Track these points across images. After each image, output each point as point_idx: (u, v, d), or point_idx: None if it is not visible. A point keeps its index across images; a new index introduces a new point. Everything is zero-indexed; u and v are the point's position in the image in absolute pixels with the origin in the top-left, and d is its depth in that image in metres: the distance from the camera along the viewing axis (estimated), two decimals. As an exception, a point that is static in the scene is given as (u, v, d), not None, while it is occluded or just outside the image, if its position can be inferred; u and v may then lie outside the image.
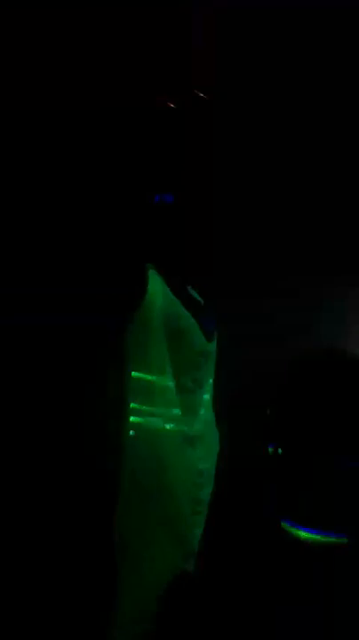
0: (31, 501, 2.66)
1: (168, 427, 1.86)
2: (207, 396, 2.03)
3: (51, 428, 2.73)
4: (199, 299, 2.07)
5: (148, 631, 1.88)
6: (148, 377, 1.86)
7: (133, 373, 1.87)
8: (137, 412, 1.89)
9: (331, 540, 2.07)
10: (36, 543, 2.54)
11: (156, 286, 1.85)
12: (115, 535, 1.87)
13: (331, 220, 3.10)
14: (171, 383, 1.87)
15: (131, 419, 1.87)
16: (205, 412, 2.01)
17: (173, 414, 1.88)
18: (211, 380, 2.05)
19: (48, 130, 2.84)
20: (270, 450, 2.25)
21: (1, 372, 2.71)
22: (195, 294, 2.07)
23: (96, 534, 2.39)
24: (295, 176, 3.03)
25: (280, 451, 2.23)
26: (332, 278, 3.06)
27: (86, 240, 2.84)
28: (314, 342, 2.91)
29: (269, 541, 2.43)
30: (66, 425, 2.73)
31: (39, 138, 2.84)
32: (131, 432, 1.85)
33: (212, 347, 2.01)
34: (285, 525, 2.11)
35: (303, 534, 2.10)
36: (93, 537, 2.43)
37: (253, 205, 2.98)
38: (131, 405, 1.87)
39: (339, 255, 3.10)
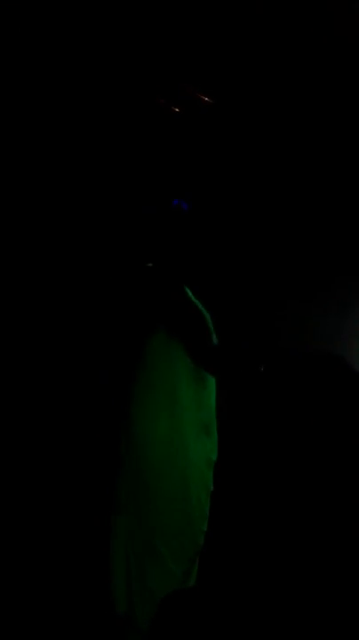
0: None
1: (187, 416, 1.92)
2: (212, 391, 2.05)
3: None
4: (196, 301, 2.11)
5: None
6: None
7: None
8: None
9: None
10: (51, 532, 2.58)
11: None
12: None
13: (330, 222, 3.11)
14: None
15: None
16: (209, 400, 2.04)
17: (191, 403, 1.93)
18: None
19: (50, 134, 2.87)
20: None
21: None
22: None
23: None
24: (296, 176, 3.05)
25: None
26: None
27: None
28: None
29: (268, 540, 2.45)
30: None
31: (41, 142, 2.87)
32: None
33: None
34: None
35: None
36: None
37: (254, 207, 2.99)
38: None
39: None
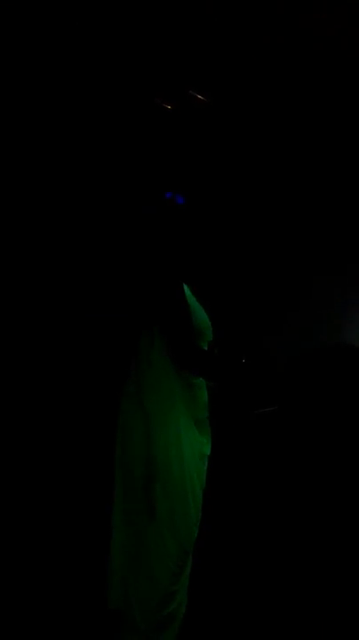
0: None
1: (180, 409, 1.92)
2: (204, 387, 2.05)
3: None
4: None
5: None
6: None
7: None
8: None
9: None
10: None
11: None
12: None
13: (330, 219, 3.13)
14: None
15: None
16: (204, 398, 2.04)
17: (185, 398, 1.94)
18: None
19: (47, 132, 2.87)
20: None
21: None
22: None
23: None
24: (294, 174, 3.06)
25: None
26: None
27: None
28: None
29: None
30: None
31: (39, 139, 2.87)
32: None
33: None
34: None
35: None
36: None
37: (252, 205, 3.00)
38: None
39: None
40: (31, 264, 2.89)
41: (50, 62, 2.71)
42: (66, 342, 2.92)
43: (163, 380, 1.91)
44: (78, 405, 2.87)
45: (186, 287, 1.98)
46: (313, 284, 3.17)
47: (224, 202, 2.62)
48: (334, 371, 2.99)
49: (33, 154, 2.85)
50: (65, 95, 2.80)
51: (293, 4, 2.39)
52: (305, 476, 2.85)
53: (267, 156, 3.04)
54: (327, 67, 2.67)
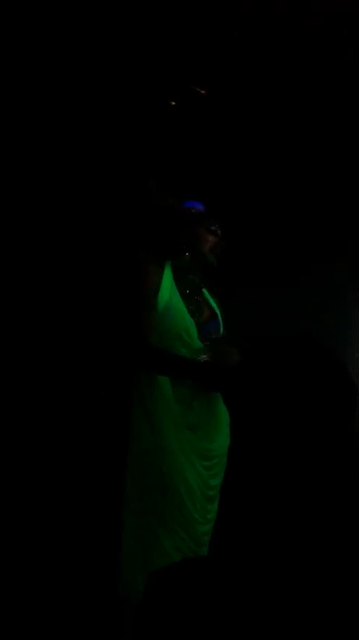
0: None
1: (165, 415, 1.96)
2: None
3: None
4: (215, 307, 2.14)
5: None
6: None
7: None
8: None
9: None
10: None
11: (167, 280, 1.99)
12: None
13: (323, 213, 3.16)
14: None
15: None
16: (200, 404, 2.05)
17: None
18: None
19: (46, 125, 2.86)
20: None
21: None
22: (212, 301, 2.14)
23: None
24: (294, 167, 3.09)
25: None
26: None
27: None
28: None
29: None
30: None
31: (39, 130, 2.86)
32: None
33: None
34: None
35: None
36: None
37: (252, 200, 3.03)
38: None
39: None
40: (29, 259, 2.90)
41: (50, 56, 2.70)
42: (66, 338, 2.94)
43: (154, 381, 1.96)
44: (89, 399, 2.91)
45: (175, 291, 2.01)
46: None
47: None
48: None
49: (34, 148, 2.86)
50: (66, 90, 2.80)
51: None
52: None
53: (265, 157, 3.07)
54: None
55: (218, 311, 2.14)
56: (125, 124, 2.86)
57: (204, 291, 2.17)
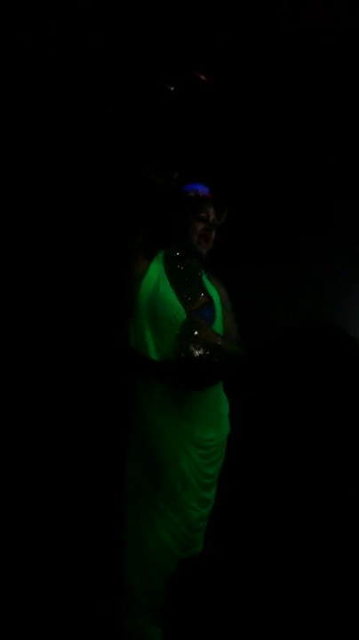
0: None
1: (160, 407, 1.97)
2: None
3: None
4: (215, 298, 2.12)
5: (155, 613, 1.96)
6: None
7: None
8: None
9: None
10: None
11: (154, 270, 2.02)
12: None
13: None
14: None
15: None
16: (196, 394, 2.03)
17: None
18: None
19: (49, 119, 2.86)
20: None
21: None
22: (213, 293, 2.12)
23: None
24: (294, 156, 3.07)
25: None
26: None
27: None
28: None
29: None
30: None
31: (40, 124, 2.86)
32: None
33: None
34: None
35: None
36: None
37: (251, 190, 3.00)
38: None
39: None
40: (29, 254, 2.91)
41: (51, 48, 2.69)
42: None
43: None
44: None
45: (164, 280, 2.01)
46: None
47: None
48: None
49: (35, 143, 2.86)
50: (67, 82, 2.79)
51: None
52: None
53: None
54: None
55: (216, 298, 2.11)
56: (126, 114, 2.85)
57: (204, 277, 2.14)
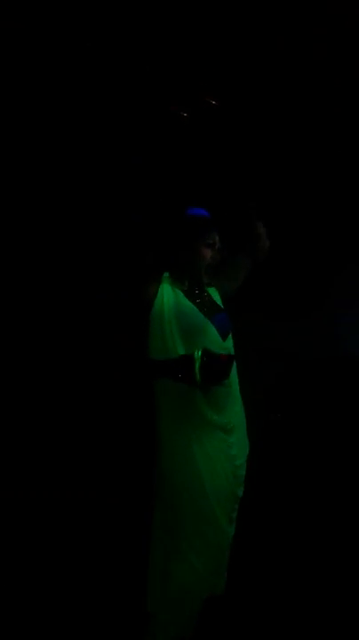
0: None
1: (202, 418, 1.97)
2: (234, 391, 2.08)
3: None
4: (219, 302, 2.13)
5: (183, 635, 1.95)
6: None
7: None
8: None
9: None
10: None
11: (167, 289, 2.02)
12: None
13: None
14: None
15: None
16: (233, 406, 2.06)
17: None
18: (235, 377, 2.09)
19: (55, 135, 2.90)
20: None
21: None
22: (216, 297, 2.13)
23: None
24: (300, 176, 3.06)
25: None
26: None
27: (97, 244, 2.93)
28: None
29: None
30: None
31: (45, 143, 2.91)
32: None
33: (229, 343, 2.06)
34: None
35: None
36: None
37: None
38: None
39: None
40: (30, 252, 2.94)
41: (60, 69, 2.73)
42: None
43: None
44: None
45: (177, 290, 2.03)
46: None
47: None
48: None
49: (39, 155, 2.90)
50: (75, 104, 2.83)
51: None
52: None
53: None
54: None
55: (219, 301, 2.13)
56: (129, 130, 2.88)
57: (212, 290, 2.15)
